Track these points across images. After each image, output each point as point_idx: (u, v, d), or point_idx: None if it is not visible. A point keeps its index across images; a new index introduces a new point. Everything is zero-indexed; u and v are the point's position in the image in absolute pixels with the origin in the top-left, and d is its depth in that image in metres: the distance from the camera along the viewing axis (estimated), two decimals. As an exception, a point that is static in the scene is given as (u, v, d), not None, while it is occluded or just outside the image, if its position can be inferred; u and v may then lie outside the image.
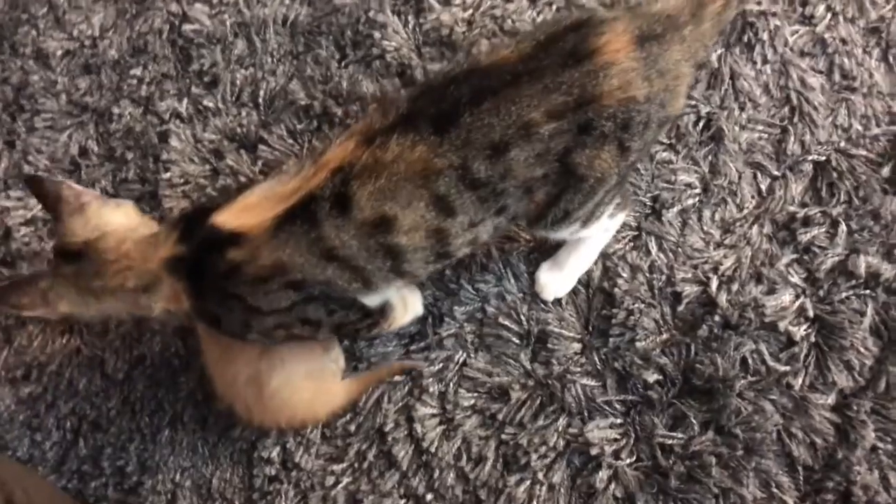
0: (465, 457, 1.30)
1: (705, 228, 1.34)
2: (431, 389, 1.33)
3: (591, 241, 1.28)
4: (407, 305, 1.29)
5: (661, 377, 1.29)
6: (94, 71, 1.57)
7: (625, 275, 1.32)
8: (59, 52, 1.59)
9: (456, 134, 0.95)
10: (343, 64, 1.48)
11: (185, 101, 1.51)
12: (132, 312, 1.06)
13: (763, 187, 1.36)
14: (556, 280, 1.34)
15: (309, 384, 1.23)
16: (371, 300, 1.12)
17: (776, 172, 1.35)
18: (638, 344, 1.29)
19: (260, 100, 1.48)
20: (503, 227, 1.09)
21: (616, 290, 1.31)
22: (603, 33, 0.96)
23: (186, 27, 1.54)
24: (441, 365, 1.34)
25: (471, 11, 1.47)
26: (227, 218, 1.00)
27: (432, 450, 1.31)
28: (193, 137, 1.48)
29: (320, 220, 0.96)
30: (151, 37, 1.55)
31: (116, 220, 1.07)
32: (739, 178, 1.36)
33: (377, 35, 1.47)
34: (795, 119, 1.37)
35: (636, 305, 1.30)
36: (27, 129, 1.55)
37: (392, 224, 0.98)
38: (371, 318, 1.16)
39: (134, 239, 1.04)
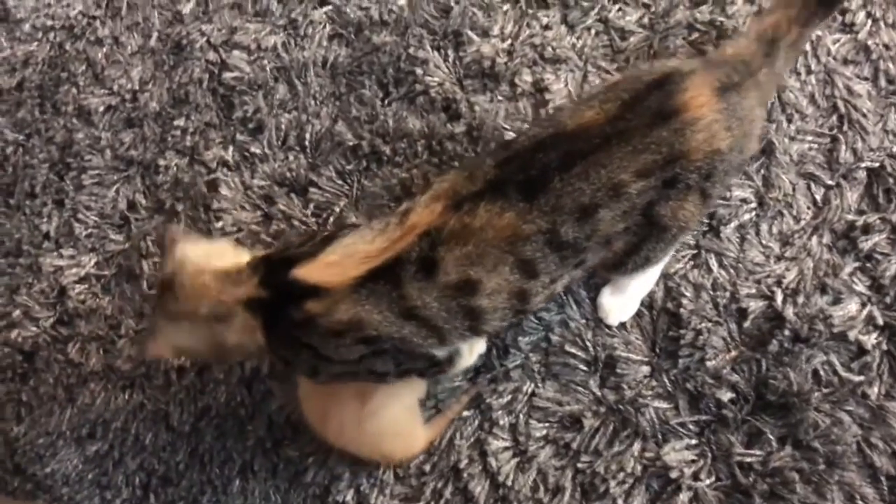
0: (542, 488, 1.32)
1: (764, 242, 1.36)
2: (502, 422, 1.35)
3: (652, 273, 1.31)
4: (472, 349, 1.32)
5: (734, 395, 1.30)
6: (136, 124, 1.62)
7: (688, 294, 1.34)
8: (101, 108, 1.63)
9: (545, 200, 0.99)
10: (387, 102, 1.51)
11: (231, 148, 1.54)
12: (213, 343, 1.10)
13: (818, 197, 1.38)
14: (619, 304, 1.37)
15: (406, 420, 1.25)
16: (440, 351, 1.16)
17: (830, 182, 1.38)
18: (708, 363, 1.31)
19: (306, 143, 1.51)
20: (578, 278, 1.14)
21: (682, 310, 1.33)
22: (686, 89, 1.00)
23: (226, 75, 1.57)
24: (510, 397, 1.36)
25: (510, 41, 1.51)
26: (310, 272, 1.04)
27: (508, 483, 1.32)
28: (242, 185, 1.50)
29: (404, 281, 1.00)
30: (192, 87, 1.59)
31: (198, 252, 1.11)
32: (794, 189, 1.38)
33: (419, 71, 1.50)
34: (845, 127, 1.40)
35: (703, 325, 1.32)
36: (75, 186, 1.58)
37: (476, 287, 1.02)
38: (438, 367, 1.20)
39: (212, 272, 1.08)
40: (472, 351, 1.31)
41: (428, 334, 1.06)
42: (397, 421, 1.29)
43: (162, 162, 1.58)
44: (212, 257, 1.11)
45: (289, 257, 1.08)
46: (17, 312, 1.55)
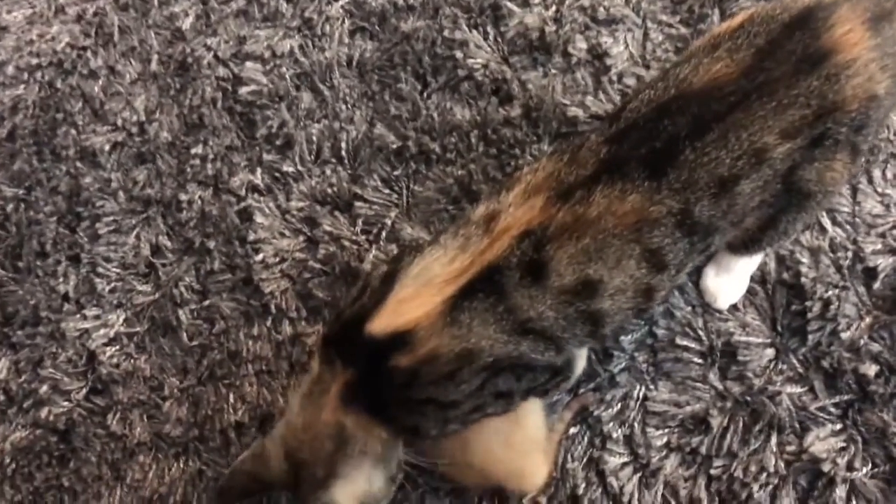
0: (673, 503, 1.17)
1: (880, 190, 1.25)
2: (615, 435, 1.23)
3: None
4: (583, 353, 1.23)
5: (878, 367, 1.15)
6: (149, 159, 1.54)
7: (805, 260, 1.23)
8: (107, 147, 1.55)
9: (676, 176, 0.87)
10: (427, 94, 1.40)
11: (259, 170, 1.43)
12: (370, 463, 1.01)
13: None
14: (725, 285, 1.27)
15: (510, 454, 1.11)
16: (558, 359, 1.04)
17: None
18: (842, 335, 1.20)
19: (343, 153, 1.40)
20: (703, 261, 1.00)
21: (802, 279, 1.20)
22: (833, 25, 0.87)
23: (242, 90, 1.47)
24: (619, 405, 1.26)
25: (555, 7, 1.39)
26: (385, 321, 0.91)
27: (634, 503, 1.17)
28: (279, 209, 1.38)
29: (509, 291, 0.89)
30: (205, 109, 1.48)
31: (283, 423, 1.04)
32: None
33: (459, 55, 1.39)
34: None
35: (831, 292, 1.19)
36: (90, 237, 1.48)
37: (597, 288, 0.91)
38: (560, 375, 1.08)
39: (298, 408, 0.99)
40: (583, 355, 1.21)
41: (545, 347, 0.95)
42: (539, 428, 1.18)
43: (184, 196, 1.48)
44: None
45: (352, 318, 0.95)
46: (44, 388, 1.44)
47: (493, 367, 0.93)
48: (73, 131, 1.56)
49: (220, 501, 1.14)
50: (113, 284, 1.46)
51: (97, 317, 1.45)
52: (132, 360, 1.41)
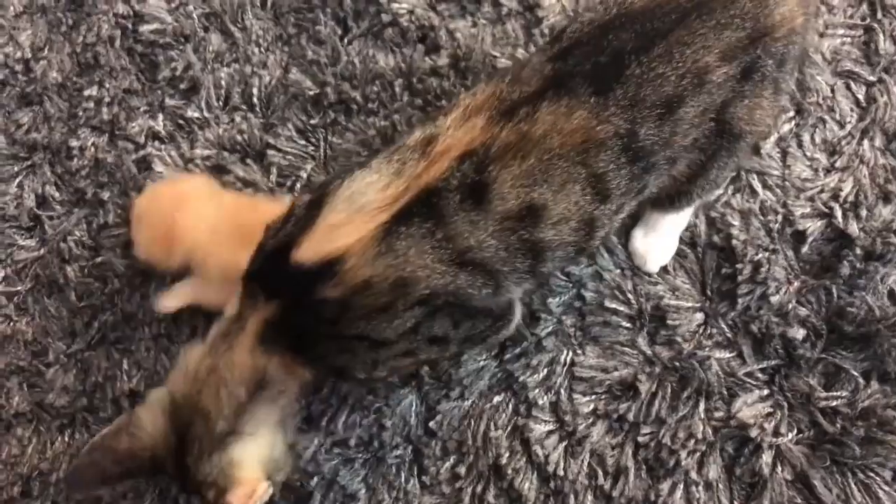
0: (600, 473, 1.19)
1: (809, 154, 1.26)
2: (541, 402, 1.20)
3: None
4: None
5: (805, 332, 1.15)
6: (35, 101, 1.41)
7: (736, 223, 1.23)
8: None
9: (623, 92, 0.85)
10: (347, 40, 1.30)
11: (161, 116, 1.35)
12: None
13: (860, 97, 1.31)
14: (655, 246, 1.25)
15: None
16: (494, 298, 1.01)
17: (871, 77, 1.31)
18: (772, 299, 1.18)
19: (255, 99, 1.33)
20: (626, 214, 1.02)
21: (733, 241, 1.19)
22: None
23: (144, 28, 1.37)
24: (546, 371, 1.23)
25: (486, -45, 1.31)
26: (313, 248, 0.86)
27: (560, 473, 1.19)
28: (182, 158, 1.30)
29: (447, 215, 0.85)
30: (101, 47, 1.38)
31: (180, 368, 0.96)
32: (832, 91, 1.31)
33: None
34: (879, 15, 1.31)
35: (761, 255, 1.18)
36: None
37: (540, 214, 0.88)
38: (500, 321, 1.05)
39: (203, 353, 0.93)
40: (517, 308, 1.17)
41: (484, 282, 0.91)
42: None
43: (75, 143, 1.36)
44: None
45: (276, 248, 0.90)
46: None
47: (429, 302, 0.88)
48: (-53, 67, 1.41)
49: (71, 489, 1.05)
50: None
51: (-29, 278, 1.33)
52: (11, 323, 1.29)
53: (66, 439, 1.25)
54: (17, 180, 1.36)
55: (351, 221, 0.85)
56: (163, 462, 0.94)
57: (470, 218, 0.85)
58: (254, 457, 0.93)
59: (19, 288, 1.31)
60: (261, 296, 0.89)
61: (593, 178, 0.87)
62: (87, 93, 1.36)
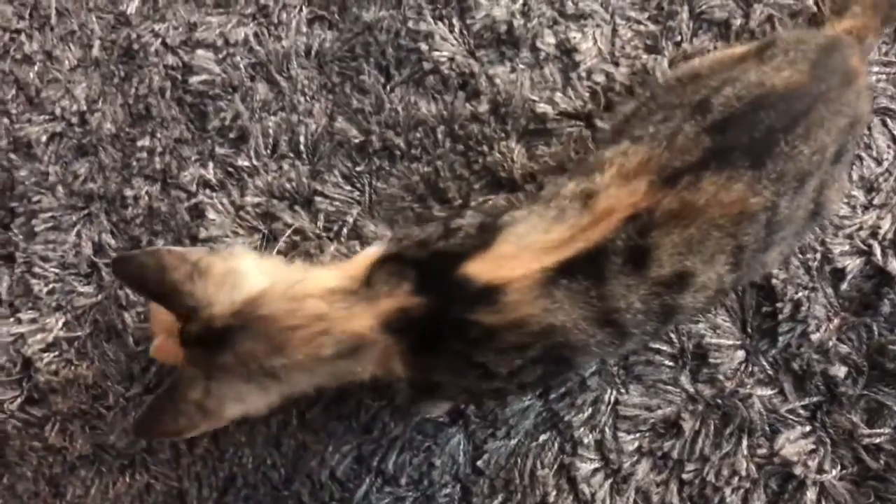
0: None
1: (846, 192, 1.25)
2: (586, 440, 1.23)
3: None
4: None
5: (846, 369, 1.17)
6: (90, 152, 1.46)
7: None
8: (44, 138, 1.48)
9: (773, 166, 0.92)
10: (389, 87, 1.34)
11: (212, 165, 1.39)
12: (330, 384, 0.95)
13: None
14: None
15: None
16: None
17: None
18: (812, 337, 1.20)
19: (301, 147, 1.36)
20: None
21: (773, 281, 1.22)
22: (854, 55, 1.03)
23: (193, 80, 1.41)
24: (590, 410, 1.26)
25: (522, 1, 1.36)
26: (484, 269, 0.89)
27: None
28: (233, 205, 1.34)
29: (608, 277, 0.89)
30: (153, 99, 1.42)
31: (261, 272, 0.92)
32: (869, 128, 1.33)
33: (424, 47, 1.36)
34: None
35: (801, 294, 1.21)
36: (25, 235, 1.41)
37: (688, 282, 0.92)
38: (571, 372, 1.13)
39: (321, 294, 0.90)
40: None
41: (612, 341, 0.94)
42: None
43: (129, 192, 1.41)
44: (300, 282, 0.90)
45: (445, 252, 0.92)
46: None
47: (551, 351, 0.91)
48: (6, 120, 1.47)
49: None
50: (51, 286, 1.39)
51: (33, 320, 1.37)
52: (72, 367, 1.34)
53: (128, 480, 1.30)
54: (76, 229, 1.41)
55: (519, 257, 0.89)
56: (176, 309, 0.90)
57: (627, 281, 0.89)
58: (239, 403, 0.90)
59: (79, 333, 1.36)
60: (407, 283, 0.90)
61: (737, 248, 0.92)
62: (140, 143, 1.42)
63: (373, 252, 0.95)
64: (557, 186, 0.97)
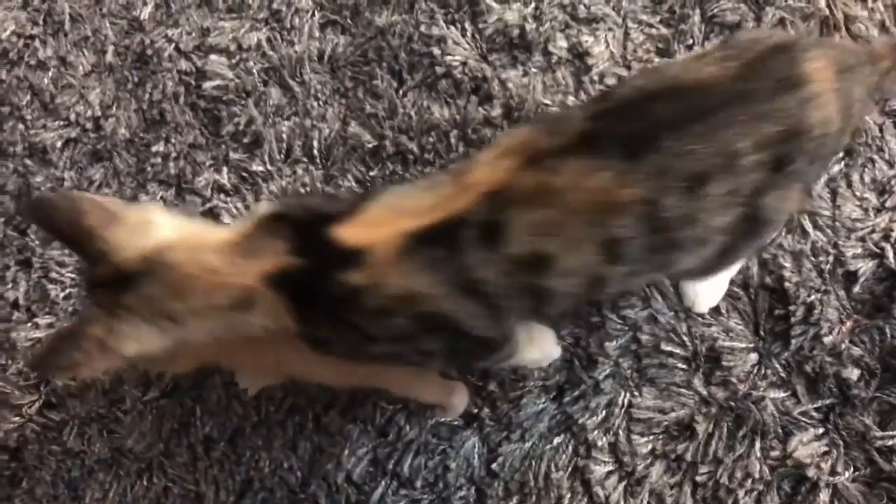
0: None
1: (858, 194, 1.30)
2: (600, 443, 1.24)
3: None
4: (534, 341, 1.22)
5: (859, 371, 1.18)
6: (105, 157, 1.49)
7: (788, 264, 1.26)
8: (59, 143, 1.50)
9: (651, 160, 0.88)
10: (402, 92, 1.35)
11: (226, 170, 1.41)
12: (226, 334, 0.96)
13: None
14: (705, 288, 1.29)
15: None
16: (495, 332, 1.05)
17: None
18: (825, 339, 1.21)
19: (315, 152, 1.38)
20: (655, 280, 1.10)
21: (786, 283, 1.22)
22: (812, 59, 0.94)
23: (206, 85, 1.43)
24: (604, 412, 1.27)
25: (534, 5, 1.38)
26: (349, 231, 0.91)
27: None
28: (247, 209, 1.33)
29: (464, 248, 0.89)
30: (167, 104, 1.45)
31: (170, 226, 0.96)
32: (881, 130, 1.34)
33: (436, 51, 1.38)
34: None
35: (814, 297, 1.22)
36: (41, 241, 1.45)
37: (548, 265, 0.91)
38: (497, 350, 1.07)
39: (211, 246, 0.93)
40: (534, 343, 1.21)
41: (485, 313, 0.95)
42: None
43: (144, 197, 1.44)
44: (202, 235, 0.95)
45: (319, 214, 0.94)
46: None
47: (428, 320, 0.93)
48: (22, 126, 1.49)
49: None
50: (67, 290, 1.41)
51: (50, 325, 1.40)
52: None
53: (145, 483, 1.32)
54: (91, 234, 1.42)
55: (386, 221, 0.90)
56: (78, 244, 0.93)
57: (481, 254, 0.89)
58: (146, 339, 0.92)
59: (95, 338, 1.37)
60: (284, 242, 0.92)
61: (607, 241, 0.90)
62: (154, 148, 1.44)
63: (263, 210, 0.97)
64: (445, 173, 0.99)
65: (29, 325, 1.40)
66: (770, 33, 1.04)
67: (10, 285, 1.41)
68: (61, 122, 1.48)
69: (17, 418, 1.35)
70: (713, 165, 0.89)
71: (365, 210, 0.93)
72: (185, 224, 0.98)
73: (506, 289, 0.92)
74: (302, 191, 1.36)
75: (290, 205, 1.02)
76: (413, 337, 0.97)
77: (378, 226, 0.91)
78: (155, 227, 0.94)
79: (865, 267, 1.25)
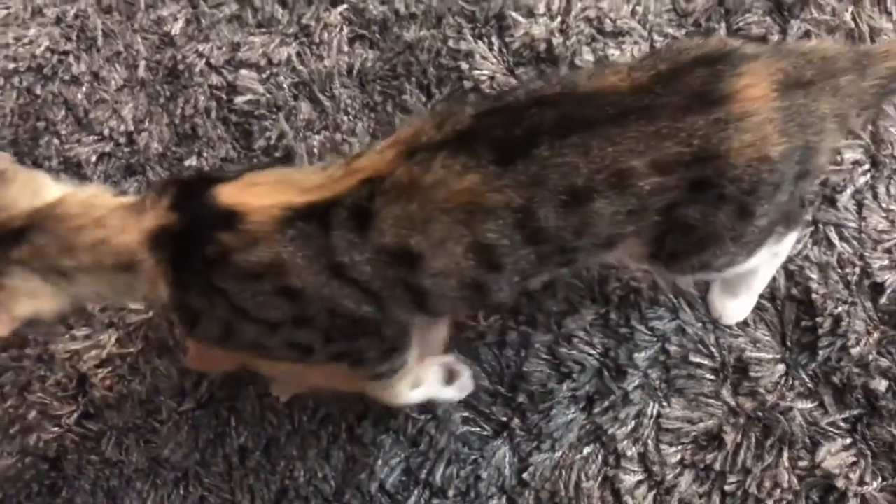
0: None
1: (884, 206, 1.32)
2: (629, 453, 1.26)
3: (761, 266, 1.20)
4: (452, 376, 1.27)
5: (886, 383, 1.20)
6: (138, 171, 1.51)
7: (814, 276, 1.28)
8: (93, 158, 1.53)
9: (524, 167, 0.85)
10: (430, 105, 1.37)
11: None
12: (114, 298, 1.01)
13: None
14: (734, 301, 1.30)
15: None
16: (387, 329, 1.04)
17: None
18: (852, 351, 1.23)
19: None
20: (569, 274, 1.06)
21: (813, 295, 1.23)
22: (741, 74, 0.86)
23: (238, 99, 1.44)
24: (633, 423, 1.28)
25: (561, 19, 1.37)
26: (229, 192, 0.93)
27: None
28: None
29: (333, 227, 0.90)
30: (199, 118, 1.47)
31: (63, 188, 0.97)
32: None
33: (464, 66, 1.40)
34: None
35: (840, 308, 1.24)
36: None
37: (416, 263, 0.91)
38: (391, 350, 1.06)
39: (107, 205, 0.95)
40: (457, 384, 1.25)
41: (363, 299, 0.94)
42: None
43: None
44: (97, 196, 0.96)
45: (210, 177, 0.98)
46: (32, 413, 1.40)
47: (300, 303, 0.93)
48: (56, 141, 1.52)
49: None
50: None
51: (87, 337, 1.42)
52: (126, 383, 1.39)
53: (181, 492, 1.34)
54: (126, 247, 1.44)
55: (270, 188, 0.92)
56: None
57: (348, 238, 0.89)
58: (31, 298, 0.93)
59: (131, 349, 1.40)
60: (168, 199, 0.93)
61: (478, 245, 0.88)
62: (187, 162, 1.46)
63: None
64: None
65: (66, 336, 1.42)
66: (702, 42, 0.93)
67: (48, 298, 1.43)
68: (95, 137, 1.51)
69: (56, 428, 1.38)
70: (598, 182, 0.85)
71: (251, 176, 0.95)
72: (82, 188, 0.98)
73: (378, 279, 0.92)
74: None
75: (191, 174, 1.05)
76: (281, 327, 0.96)
77: (260, 194, 0.91)
78: (46, 187, 0.95)
79: (892, 278, 1.26)
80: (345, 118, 1.44)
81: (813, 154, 0.90)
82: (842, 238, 1.29)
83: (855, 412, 1.24)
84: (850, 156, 1.32)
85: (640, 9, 1.40)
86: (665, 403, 1.28)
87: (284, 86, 1.47)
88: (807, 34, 1.33)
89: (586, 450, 1.28)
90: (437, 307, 0.99)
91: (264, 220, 0.89)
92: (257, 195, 0.91)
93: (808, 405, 1.25)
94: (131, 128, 1.51)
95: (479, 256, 0.90)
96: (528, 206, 0.86)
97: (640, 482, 1.26)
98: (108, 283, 0.95)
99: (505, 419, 1.29)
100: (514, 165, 0.85)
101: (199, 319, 0.98)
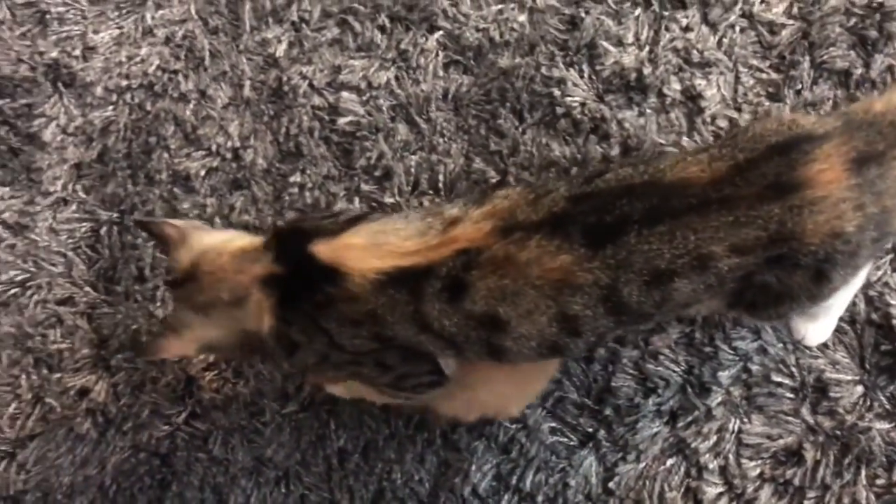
0: None
1: None
2: (711, 466, 1.32)
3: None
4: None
5: (964, 407, 1.26)
6: (244, 185, 1.58)
7: (894, 302, 1.33)
8: (202, 172, 1.61)
9: (613, 252, 0.95)
10: (522, 130, 1.44)
11: (357, 200, 1.49)
12: (235, 332, 1.12)
13: None
14: (815, 324, 1.36)
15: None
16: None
17: None
18: None
19: (440, 185, 1.46)
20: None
21: (893, 321, 1.30)
22: (814, 160, 0.92)
23: (340, 121, 1.52)
24: (715, 437, 1.34)
25: (649, 48, 1.44)
26: (327, 252, 1.04)
27: None
28: None
29: (426, 298, 0.99)
30: (303, 137, 1.55)
31: (217, 239, 1.15)
32: None
33: (557, 92, 1.46)
34: None
35: (920, 334, 1.27)
36: None
37: (502, 327, 1.01)
38: (437, 376, 1.19)
39: (229, 251, 1.10)
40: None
41: (445, 346, 1.07)
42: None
43: (281, 224, 1.49)
44: (231, 242, 1.13)
45: (303, 229, 1.10)
46: (145, 412, 1.50)
47: (390, 342, 1.05)
48: (167, 155, 1.61)
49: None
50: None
51: (193, 342, 1.50)
52: (231, 385, 1.48)
53: (283, 490, 1.43)
54: (232, 258, 1.53)
55: (366, 251, 1.02)
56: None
57: (440, 307, 0.99)
58: (197, 333, 1.11)
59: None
60: (272, 252, 1.07)
61: (563, 315, 0.97)
62: (291, 179, 1.55)
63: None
64: (445, 206, 1.07)
65: (176, 341, 1.51)
66: (776, 129, 0.98)
67: (159, 304, 1.53)
68: (203, 152, 1.60)
69: (166, 427, 1.48)
70: (680, 266, 0.94)
71: (349, 234, 1.05)
72: (222, 235, 1.18)
73: (463, 336, 1.02)
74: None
75: (290, 222, 1.26)
76: (374, 353, 1.09)
77: (357, 258, 1.02)
78: (206, 242, 1.13)
79: (969, 306, 1.32)
80: (440, 140, 1.52)
81: (890, 216, 0.96)
82: (920, 265, 1.35)
83: (930, 434, 1.31)
84: (929, 187, 1.37)
85: (726, 40, 1.47)
86: (746, 420, 1.34)
87: (383, 108, 1.55)
88: (889, 69, 1.39)
89: (669, 462, 1.35)
90: (512, 360, 1.09)
91: (362, 283, 1.00)
92: (355, 259, 1.02)
93: (885, 426, 1.31)
94: (237, 144, 1.59)
95: (562, 325, 0.99)
96: (614, 284, 0.95)
97: (721, 494, 1.33)
98: (226, 317, 1.09)
99: (591, 430, 1.37)
100: (604, 250, 0.94)
101: (298, 349, 1.11)
